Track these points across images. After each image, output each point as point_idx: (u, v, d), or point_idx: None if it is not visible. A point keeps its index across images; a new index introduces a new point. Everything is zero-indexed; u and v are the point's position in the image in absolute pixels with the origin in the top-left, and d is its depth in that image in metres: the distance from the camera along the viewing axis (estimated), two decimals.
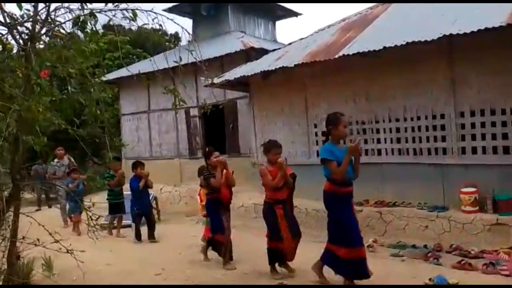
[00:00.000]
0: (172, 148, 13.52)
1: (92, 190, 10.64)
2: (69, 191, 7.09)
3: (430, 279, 4.29)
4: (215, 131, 12.57)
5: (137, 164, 7.57)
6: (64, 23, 3.40)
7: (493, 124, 6.35)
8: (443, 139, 6.86)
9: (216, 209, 5.41)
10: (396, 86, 7.30)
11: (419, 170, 6.99)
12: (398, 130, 7.37)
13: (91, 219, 3.54)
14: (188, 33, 3.36)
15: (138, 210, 7.35)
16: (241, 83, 9.70)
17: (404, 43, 6.36)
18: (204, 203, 6.01)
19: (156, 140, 14.02)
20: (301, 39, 9.53)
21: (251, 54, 10.96)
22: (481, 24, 5.72)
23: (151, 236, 7.32)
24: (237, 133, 11.81)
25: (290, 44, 9.82)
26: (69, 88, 3.52)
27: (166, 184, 11.83)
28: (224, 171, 5.27)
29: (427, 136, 7.02)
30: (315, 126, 8.56)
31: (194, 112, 12.61)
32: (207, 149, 5.81)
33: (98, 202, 4.57)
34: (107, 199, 7.96)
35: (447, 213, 6.44)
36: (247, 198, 9.29)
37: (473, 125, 6.54)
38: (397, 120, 7.38)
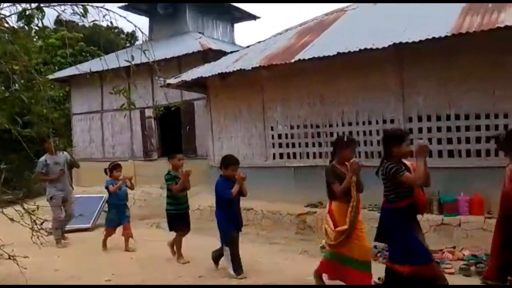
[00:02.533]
0: (126, 150, 13.18)
1: (33, 193, 9.66)
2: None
3: (379, 278, 4.44)
4: (172, 132, 12.38)
5: (231, 162, 5.01)
6: (9, 16, 3.23)
7: (439, 129, 6.68)
8: None
9: (410, 222, 3.66)
10: (350, 90, 7.51)
11: (370, 173, 7.16)
12: (350, 133, 7.57)
13: (35, 223, 3.38)
14: (142, 32, 3.28)
15: (234, 228, 4.97)
16: (199, 84, 9.62)
17: (357, 49, 6.57)
18: (340, 227, 4.08)
19: (109, 141, 13.61)
20: (259, 42, 9.61)
21: (209, 55, 10.92)
22: (429, 33, 6.02)
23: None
24: (194, 134, 11.71)
25: (248, 47, 9.87)
26: (14, 85, 3.35)
27: None
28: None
29: (378, 140, 7.24)
30: (272, 128, 8.63)
31: (149, 113, 12.35)
32: (398, 131, 4.37)
33: (44, 206, 4.37)
34: (167, 209, 5.72)
35: None
36: (204, 200, 9.19)
37: (420, 130, 6.84)
38: (350, 124, 7.59)
